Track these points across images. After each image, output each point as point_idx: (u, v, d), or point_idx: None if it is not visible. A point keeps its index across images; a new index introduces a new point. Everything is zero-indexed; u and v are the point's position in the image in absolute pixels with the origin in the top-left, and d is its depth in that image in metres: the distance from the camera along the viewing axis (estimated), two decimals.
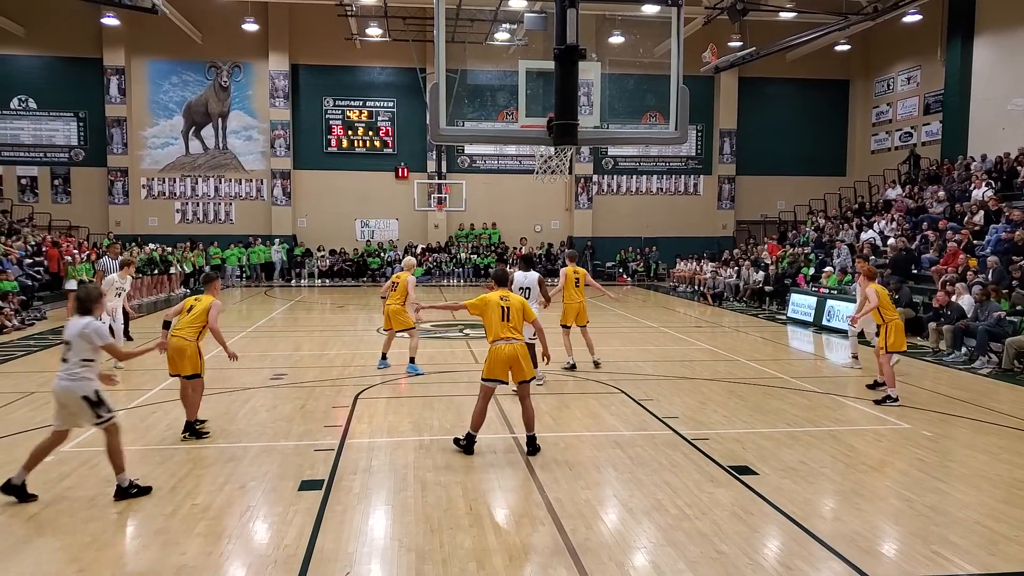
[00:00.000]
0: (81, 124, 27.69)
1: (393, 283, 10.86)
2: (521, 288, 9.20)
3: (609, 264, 29.91)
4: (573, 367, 10.91)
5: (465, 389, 9.70)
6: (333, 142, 29.05)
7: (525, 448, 6.99)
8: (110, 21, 25.55)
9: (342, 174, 29.07)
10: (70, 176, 27.86)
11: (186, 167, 28.45)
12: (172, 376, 7.50)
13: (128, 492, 5.75)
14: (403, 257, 12.48)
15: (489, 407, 7.07)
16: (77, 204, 27.68)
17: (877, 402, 9.07)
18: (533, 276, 9.49)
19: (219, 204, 28.77)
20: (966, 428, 8.05)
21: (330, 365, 11.49)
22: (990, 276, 13.90)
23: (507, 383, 6.88)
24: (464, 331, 15.38)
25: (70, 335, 5.75)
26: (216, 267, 26.73)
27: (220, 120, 28.48)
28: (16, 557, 4.76)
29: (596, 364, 11.10)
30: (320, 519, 5.39)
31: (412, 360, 10.76)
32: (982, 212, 17.99)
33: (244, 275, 27.60)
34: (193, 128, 28.37)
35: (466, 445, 6.92)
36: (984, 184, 19.72)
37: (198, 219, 28.66)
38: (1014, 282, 13.60)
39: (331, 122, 29.01)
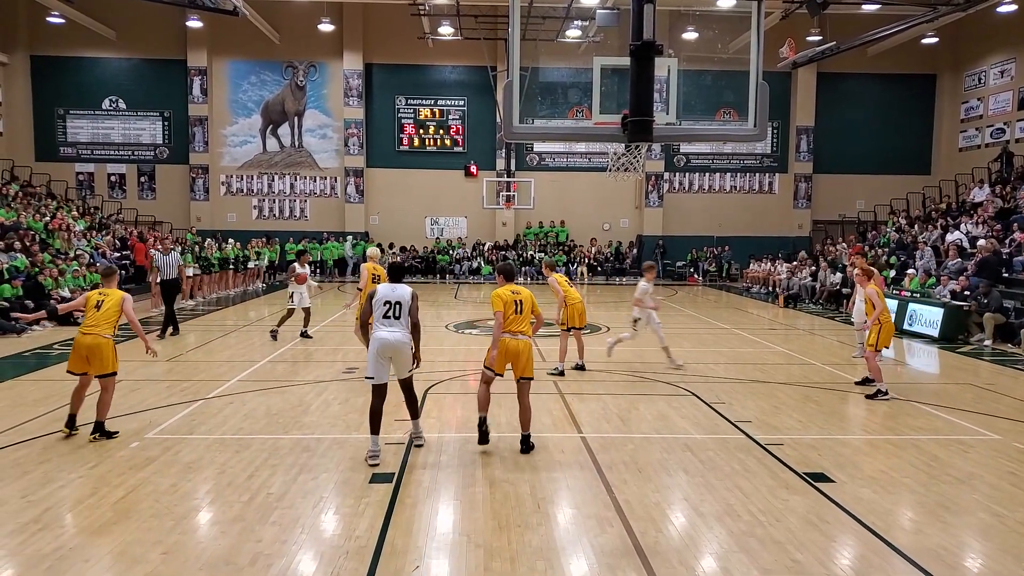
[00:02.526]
0: (166, 123, 28.96)
1: (376, 275, 10.68)
2: (387, 303, 6.69)
3: (680, 264, 29.43)
4: (582, 368, 10.76)
5: (534, 387, 9.69)
6: (405, 140, 29.52)
7: (520, 447, 6.95)
8: (194, 23, 26.67)
9: (413, 172, 29.51)
10: (155, 173, 29.18)
11: (263, 165, 29.40)
12: (76, 374, 7.13)
13: None
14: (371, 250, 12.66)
15: (557, 406, 7.05)
16: (161, 200, 28.98)
17: (869, 397, 9.18)
18: (404, 291, 6.80)
19: (294, 201, 29.64)
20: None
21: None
22: None
23: (502, 375, 6.97)
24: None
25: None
26: (290, 263, 27.55)
27: (296, 119, 29.32)
28: (104, 539, 5.00)
29: (581, 367, 10.78)
30: (390, 512, 5.49)
31: None
32: None
33: (318, 271, 28.34)
34: (270, 126, 29.29)
35: (479, 433, 6.97)
36: None
37: (274, 215, 29.58)
38: None
39: (403, 121, 29.48)
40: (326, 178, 29.64)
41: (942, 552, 4.93)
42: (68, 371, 7.19)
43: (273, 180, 29.49)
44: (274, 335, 13.45)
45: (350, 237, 28.96)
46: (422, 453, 6.90)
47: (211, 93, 28.70)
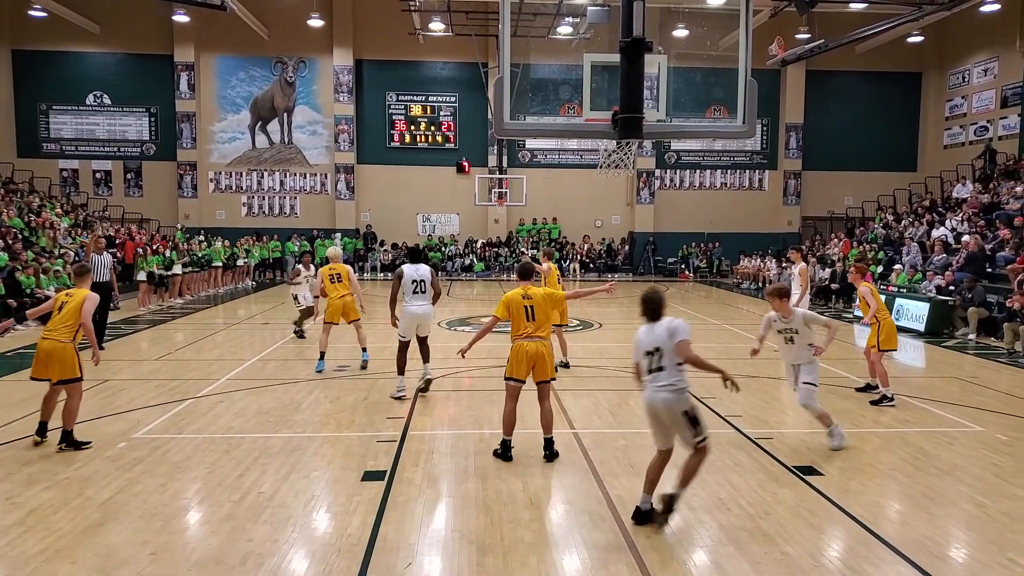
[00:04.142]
0: (152, 119, 28.73)
1: (334, 276, 10.67)
2: (414, 281, 8.69)
3: (671, 260, 29.53)
4: (566, 365, 10.62)
5: (525, 384, 9.72)
6: (396, 137, 29.45)
7: (542, 452, 6.68)
8: (181, 18, 26.44)
9: (404, 169, 29.44)
10: (142, 170, 28.95)
11: (252, 161, 29.25)
12: (36, 380, 6.79)
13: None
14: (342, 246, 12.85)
15: (551, 403, 7.05)
16: (148, 197, 28.75)
17: (873, 403, 8.76)
18: (426, 269, 8.89)
19: (284, 198, 29.52)
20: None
21: (392, 357, 11.65)
22: None
23: (524, 382, 6.63)
24: None
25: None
26: (278, 260, 27.48)
27: (285, 115, 29.19)
28: (90, 540, 4.97)
29: (565, 365, 10.65)
30: (383, 509, 5.50)
31: (364, 350, 10.86)
32: None
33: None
34: (259, 123, 29.15)
35: (502, 453, 6.60)
36: None
37: (264, 212, 29.44)
38: None
39: (394, 117, 29.41)
40: (316, 175, 29.54)
41: (927, 542, 5.00)
42: (31, 377, 6.79)
43: (263, 177, 29.36)
44: (300, 334, 13.32)
45: (339, 235, 28.86)
46: (414, 451, 6.91)
47: (199, 89, 28.52)
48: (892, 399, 8.71)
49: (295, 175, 29.45)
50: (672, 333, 5.18)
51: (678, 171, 30.35)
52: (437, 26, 26.52)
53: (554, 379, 6.79)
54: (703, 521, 5.36)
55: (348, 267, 11.01)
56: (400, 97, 29.33)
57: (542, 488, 6.00)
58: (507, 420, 6.62)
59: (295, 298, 13.72)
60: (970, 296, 14.83)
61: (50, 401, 6.86)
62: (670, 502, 5.14)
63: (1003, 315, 13.60)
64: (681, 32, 23.99)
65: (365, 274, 27.47)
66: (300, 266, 13.92)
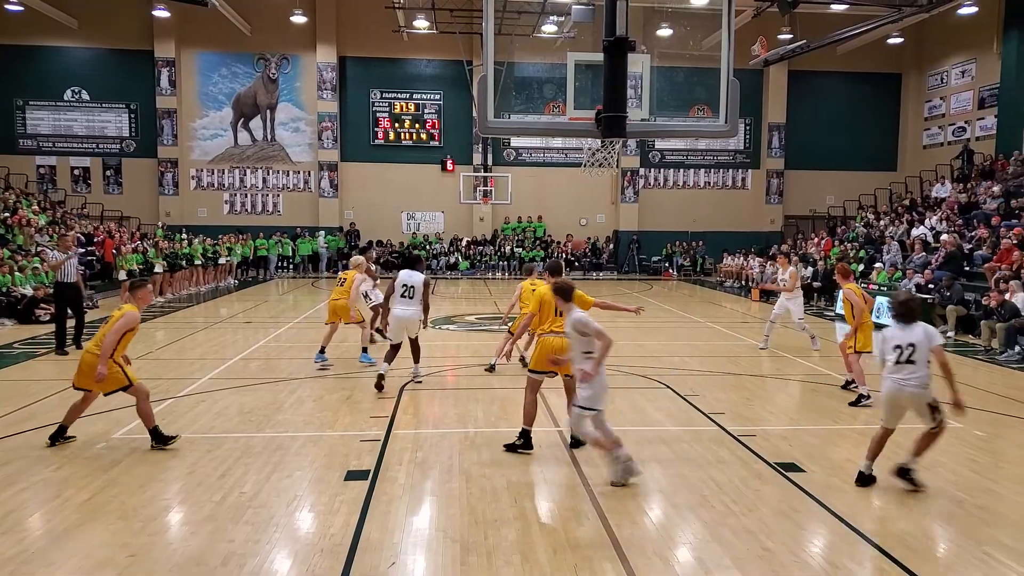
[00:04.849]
0: (132, 115, 28.42)
1: (341, 280, 10.97)
2: (404, 286, 9.00)
3: (655, 259, 29.65)
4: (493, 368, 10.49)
5: (510, 382, 9.74)
6: (380, 134, 29.34)
7: (568, 441, 6.98)
8: (161, 13, 26.17)
9: (389, 166, 29.34)
10: (121, 167, 28.64)
11: (235, 158, 29.03)
12: (78, 390, 6.81)
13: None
14: (363, 253, 12.48)
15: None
16: (128, 195, 28.44)
17: (852, 404, 8.76)
18: (419, 278, 9.09)
19: (267, 195, 29.32)
20: (1020, 428, 7.81)
21: (376, 356, 11.63)
22: None
23: (554, 375, 6.86)
24: (508, 324, 15.38)
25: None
26: (261, 259, 27.28)
27: (268, 112, 28.99)
28: (69, 542, 4.91)
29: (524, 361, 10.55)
30: (366, 509, 5.48)
31: (365, 350, 10.95)
32: None
33: (291, 266, 28.07)
34: (242, 120, 28.93)
35: (523, 443, 6.77)
36: None
37: (246, 210, 29.23)
38: None
39: (378, 114, 29.30)
40: (299, 172, 29.37)
41: (907, 537, 5.05)
42: (73, 386, 6.82)
43: (245, 174, 29.14)
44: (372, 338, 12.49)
45: (323, 233, 28.72)
46: (397, 450, 6.89)
47: (180, 85, 28.25)
48: (868, 397, 8.72)
49: (278, 172, 29.26)
50: (930, 337, 5.87)
51: (662, 170, 30.47)
52: (421, 23, 26.45)
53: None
54: (686, 518, 5.39)
55: (357, 275, 10.90)
56: (384, 94, 29.21)
57: (527, 486, 6.00)
58: (528, 411, 6.80)
59: (364, 296, 12.52)
60: (949, 294, 15.02)
61: (76, 409, 6.86)
62: (904, 472, 5.95)
63: (980, 313, 13.78)
64: (665, 31, 24.09)
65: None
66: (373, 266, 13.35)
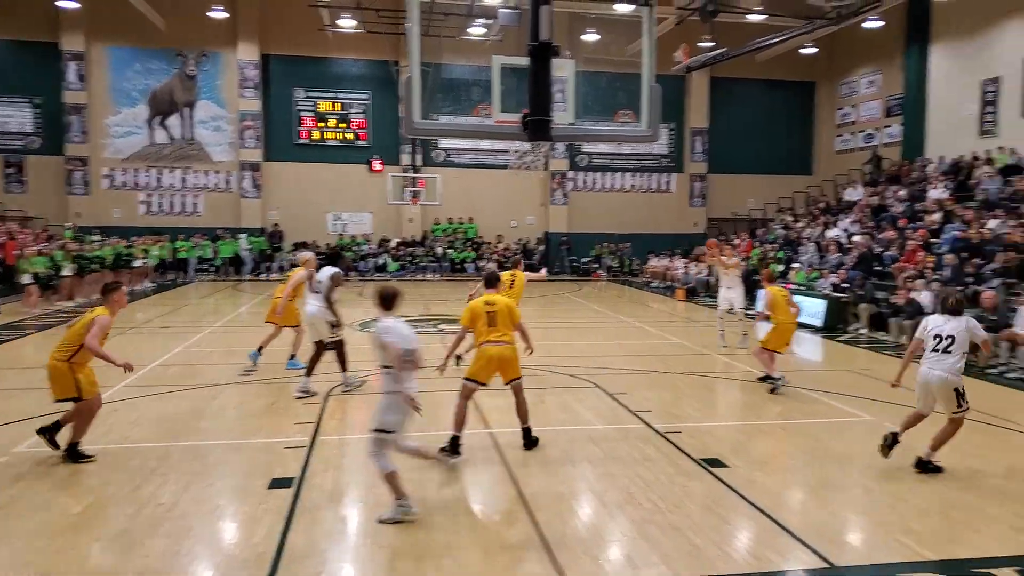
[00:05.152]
0: (37, 111, 26.85)
1: (286, 278, 10.76)
2: (317, 280, 9.08)
3: (584, 260, 30.01)
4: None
5: (440, 385, 9.65)
6: (304, 134, 28.69)
7: (522, 442, 6.96)
8: (67, 4, 24.73)
9: (314, 166, 28.72)
10: (24, 165, 27.05)
11: (151, 157, 27.85)
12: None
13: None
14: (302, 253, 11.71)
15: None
16: (33, 194, 26.81)
17: (772, 391, 9.32)
18: (327, 271, 9.07)
19: (186, 196, 28.25)
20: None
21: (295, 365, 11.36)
22: (947, 273, 14.24)
23: (486, 385, 6.85)
24: (439, 327, 15.30)
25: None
26: (181, 261, 26.30)
27: (187, 110, 27.92)
28: None
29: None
30: (291, 517, 5.34)
31: (293, 356, 10.49)
32: (940, 211, 18.44)
33: (212, 269, 27.13)
34: (158, 117, 27.76)
35: (451, 448, 6.69)
36: (941, 185, 20.25)
37: (163, 211, 28.09)
38: (969, 279, 13.95)
39: (302, 114, 28.65)
40: (220, 172, 28.42)
41: (824, 528, 5.25)
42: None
43: (163, 174, 27.98)
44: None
45: (244, 235, 27.89)
46: (323, 457, 6.74)
47: (90, 80, 26.89)
48: (779, 378, 9.35)
49: (198, 172, 28.23)
50: (973, 330, 6.42)
51: (590, 173, 30.87)
52: (347, 23, 26.01)
53: (519, 378, 6.90)
54: (615, 516, 5.46)
55: (301, 272, 10.00)
56: (309, 93, 28.60)
57: (457, 489, 5.95)
58: (458, 417, 6.75)
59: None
60: (861, 293, 15.74)
61: (79, 420, 6.56)
62: (924, 465, 6.41)
63: (890, 311, 14.48)
64: (591, 37, 24.42)
65: (273, 275, 26.62)
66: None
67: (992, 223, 16.08)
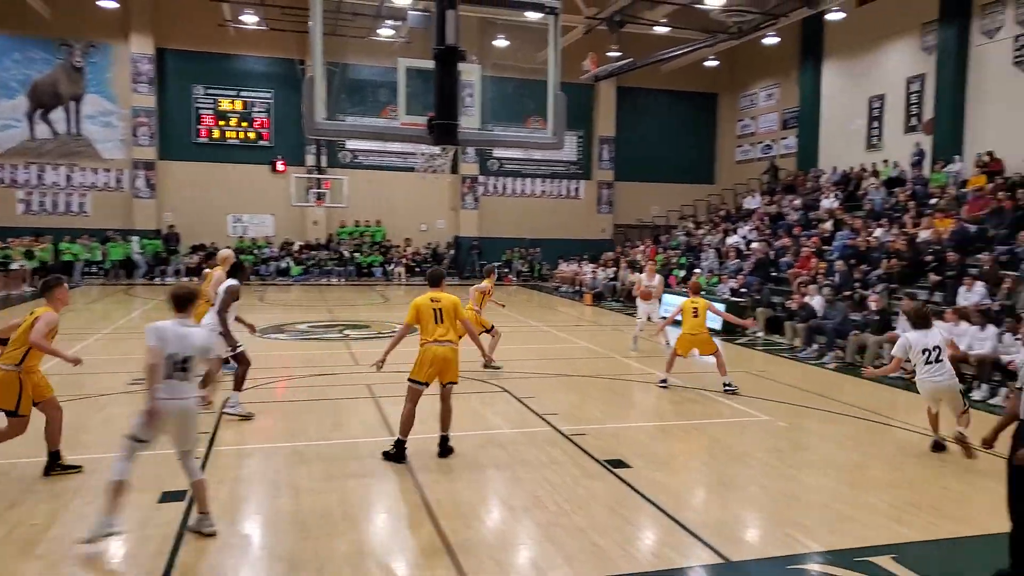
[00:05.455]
0: None
1: (205, 276, 10.31)
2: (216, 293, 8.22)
3: (495, 265, 30.04)
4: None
5: (344, 392, 9.46)
6: (203, 132, 27.54)
7: (437, 449, 6.85)
8: None
9: (213, 166, 27.60)
10: None
11: (31, 153, 26.02)
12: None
13: None
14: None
15: (370, 410, 6.91)
16: None
17: (661, 385, 10.01)
18: (224, 284, 8.14)
19: (71, 194, 26.57)
20: (816, 418, 8.67)
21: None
22: (837, 278, 15.08)
23: (428, 384, 6.73)
24: (344, 332, 14.98)
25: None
26: (66, 264, 24.69)
27: (73, 103, 26.27)
28: None
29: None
30: (182, 532, 5.08)
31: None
32: (831, 220, 19.53)
33: (101, 272, 25.61)
34: (40, 110, 25.97)
35: (396, 453, 6.61)
36: (832, 195, 21.47)
37: (46, 210, 26.30)
38: (856, 284, 14.82)
39: (201, 111, 27.50)
40: (111, 170, 26.89)
41: (720, 525, 5.43)
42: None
43: (45, 170, 26.20)
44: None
45: (136, 238, 26.48)
46: (220, 468, 6.44)
47: None
48: (664, 380, 9.99)
49: (85, 170, 26.60)
50: (945, 335, 7.24)
51: (501, 178, 31.03)
52: (250, 18, 25.18)
53: (455, 383, 6.83)
54: (520, 520, 5.46)
55: (218, 272, 9.17)
56: (209, 90, 27.49)
57: (360, 499, 5.82)
58: (405, 421, 6.63)
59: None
60: (758, 297, 16.44)
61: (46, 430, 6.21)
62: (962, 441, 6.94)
63: (785, 314, 15.19)
64: (501, 43, 24.59)
65: (168, 279, 25.42)
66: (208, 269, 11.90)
67: (878, 231, 17.14)
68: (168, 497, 5.69)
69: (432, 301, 6.74)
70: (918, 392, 7.36)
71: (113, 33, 26.10)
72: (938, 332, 7.14)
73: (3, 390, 5.94)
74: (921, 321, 7.12)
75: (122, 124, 26.66)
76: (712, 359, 10.05)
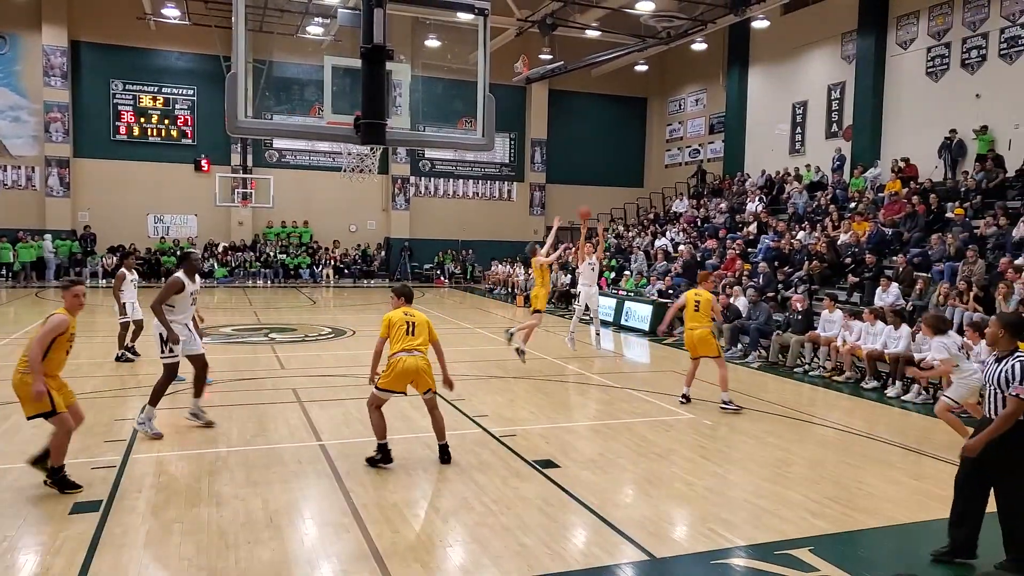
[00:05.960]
0: None
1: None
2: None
3: (427, 266, 29.92)
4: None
5: (270, 397, 9.24)
6: (122, 129, 26.49)
7: (438, 457, 6.80)
8: None
9: (132, 164, 26.56)
10: None
11: None
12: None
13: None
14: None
15: (295, 415, 6.77)
16: None
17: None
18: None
19: None
20: (740, 416, 8.94)
21: (113, 374, 10.45)
22: (761, 280, 15.59)
23: (404, 394, 6.71)
24: (270, 335, 14.63)
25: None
26: None
27: None
28: None
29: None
30: (96, 543, 4.87)
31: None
32: (756, 223, 20.19)
33: (10, 274, 24.30)
34: None
35: (381, 457, 6.58)
36: (757, 199, 22.18)
37: None
38: (780, 285, 15.36)
39: (120, 107, 26.43)
40: (20, 168, 25.57)
41: (646, 522, 5.54)
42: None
43: None
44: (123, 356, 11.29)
45: (48, 236, 25.24)
46: (137, 477, 6.20)
47: None
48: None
49: None
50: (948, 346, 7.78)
51: (432, 179, 30.89)
52: (171, 12, 24.35)
53: (433, 390, 6.77)
54: (447, 522, 5.45)
55: (125, 270, 9.29)
56: (128, 86, 26.45)
57: (284, 504, 5.70)
58: (376, 427, 6.60)
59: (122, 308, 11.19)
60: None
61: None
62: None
63: None
64: (432, 43, 24.45)
65: (87, 280, 24.28)
66: (123, 270, 11.53)
67: (800, 234, 17.80)
68: (80, 508, 5.45)
69: (405, 315, 6.72)
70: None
71: (23, 23, 24.84)
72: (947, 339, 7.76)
73: (32, 394, 5.65)
74: (946, 327, 7.91)
75: (33, 119, 25.40)
76: (712, 359, 9.43)
